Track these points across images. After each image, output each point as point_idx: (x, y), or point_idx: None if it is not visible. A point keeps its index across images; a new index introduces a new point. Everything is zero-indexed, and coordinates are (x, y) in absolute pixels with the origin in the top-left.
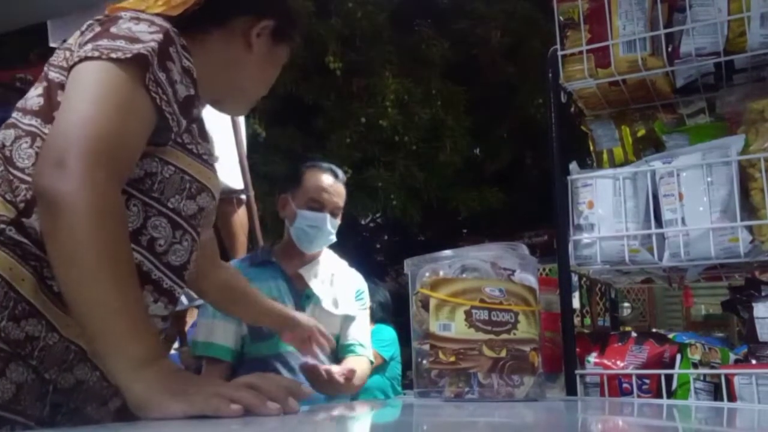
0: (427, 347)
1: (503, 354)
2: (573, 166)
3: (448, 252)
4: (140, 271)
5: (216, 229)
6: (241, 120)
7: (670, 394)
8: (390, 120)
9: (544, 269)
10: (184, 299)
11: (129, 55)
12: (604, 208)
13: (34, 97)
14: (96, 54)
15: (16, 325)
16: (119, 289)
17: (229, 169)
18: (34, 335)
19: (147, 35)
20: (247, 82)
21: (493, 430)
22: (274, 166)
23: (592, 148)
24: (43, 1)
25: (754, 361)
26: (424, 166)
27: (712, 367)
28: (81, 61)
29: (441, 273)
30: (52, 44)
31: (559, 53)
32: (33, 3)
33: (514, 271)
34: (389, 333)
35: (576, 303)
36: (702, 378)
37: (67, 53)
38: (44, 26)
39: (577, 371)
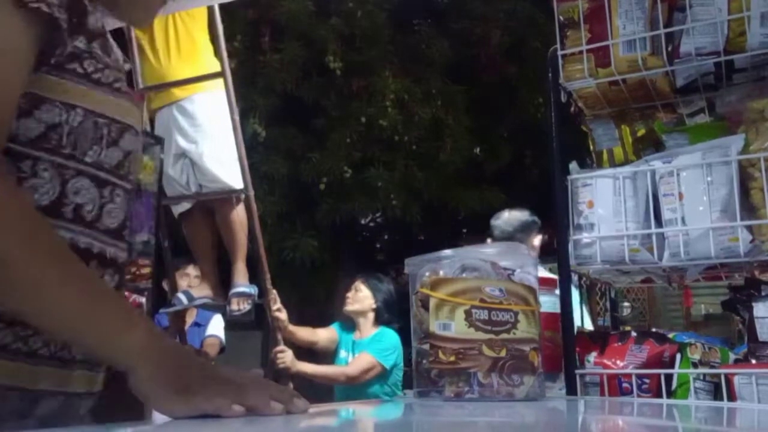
0: (427, 347)
1: (503, 354)
2: (573, 165)
3: (448, 252)
4: (77, 249)
5: (216, 229)
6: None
7: (670, 394)
8: (390, 120)
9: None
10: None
11: None
12: (604, 208)
13: None
14: None
15: None
16: (78, 277)
17: (229, 169)
18: None
19: None
20: None
21: (493, 430)
22: (274, 166)
23: (592, 147)
24: None
25: (754, 361)
26: (424, 166)
27: (712, 367)
28: None
29: (441, 273)
30: None
31: (559, 53)
32: None
33: (514, 271)
34: (392, 339)
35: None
36: (702, 378)
37: None
38: None
39: (577, 371)
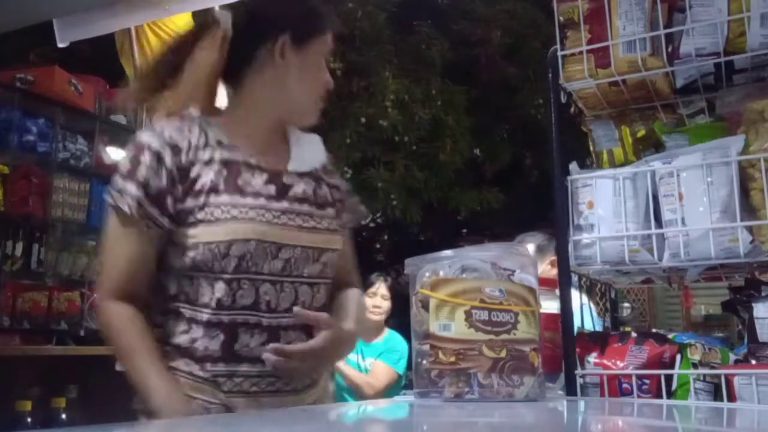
0: (427, 347)
1: (503, 354)
2: (573, 166)
3: (448, 252)
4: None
5: None
6: None
7: (670, 395)
8: (390, 120)
9: None
10: None
11: None
12: (604, 209)
13: None
14: None
15: None
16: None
17: None
18: None
19: None
20: (297, 92)
21: (493, 430)
22: None
23: (592, 148)
24: (46, 1)
25: (754, 362)
26: (424, 166)
27: (712, 368)
28: None
29: (441, 273)
30: (60, 45)
31: (559, 53)
32: (35, 2)
33: (514, 271)
34: (402, 344)
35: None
36: (702, 378)
37: None
38: (44, 26)
39: (577, 371)
